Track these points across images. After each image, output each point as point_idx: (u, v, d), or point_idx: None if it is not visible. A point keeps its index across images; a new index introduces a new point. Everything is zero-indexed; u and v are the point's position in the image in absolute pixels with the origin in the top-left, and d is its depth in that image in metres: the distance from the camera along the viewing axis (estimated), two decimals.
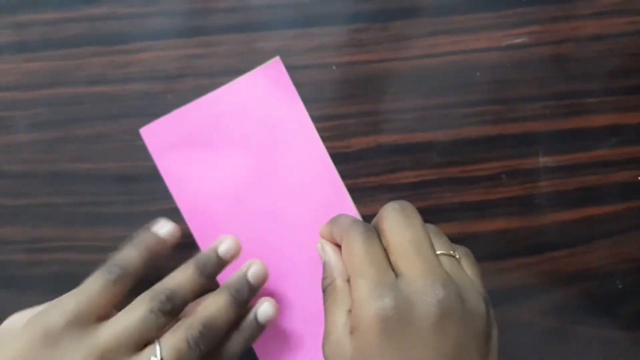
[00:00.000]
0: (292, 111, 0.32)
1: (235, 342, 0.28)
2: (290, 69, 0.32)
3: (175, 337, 0.26)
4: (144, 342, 0.25)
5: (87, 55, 0.32)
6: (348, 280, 0.27)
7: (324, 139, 0.32)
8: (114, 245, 0.31)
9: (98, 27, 0.32)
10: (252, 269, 0.29)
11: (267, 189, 0.31)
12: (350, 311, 0.25)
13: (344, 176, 0.32)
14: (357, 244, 0.25)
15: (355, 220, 0.27)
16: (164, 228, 0.29)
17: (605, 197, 0.32)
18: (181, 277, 0.27)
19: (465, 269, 0.26)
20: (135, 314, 0.25)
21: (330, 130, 0.32)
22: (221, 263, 0.29)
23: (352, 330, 0.24)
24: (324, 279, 0.28)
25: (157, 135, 0.31)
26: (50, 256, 0.31)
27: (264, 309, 0.29)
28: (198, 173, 0.31)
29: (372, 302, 0.23)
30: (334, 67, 0.32)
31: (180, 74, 0.32)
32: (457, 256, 0.26)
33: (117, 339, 0.25)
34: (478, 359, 0.24)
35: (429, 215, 0.31)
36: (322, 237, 0.30)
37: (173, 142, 0.31)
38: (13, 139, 0.32)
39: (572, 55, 0.32)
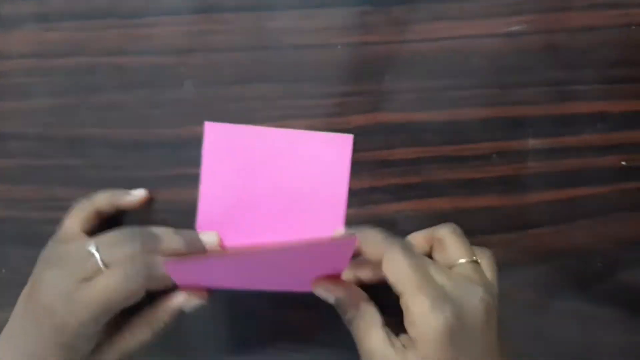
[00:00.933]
0: (334, 184, 0.33)
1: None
2: (296, 47, 0.33)
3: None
4: None
5: (105, 28, 0.34)
6: (366, 299, 0.29)
7: (326, 115, 0.33)
8: None
9: (117, 1, 0.34)
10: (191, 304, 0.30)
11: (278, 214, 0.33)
12: (384, 325, 0.27)
13: None
14: (405, 261, 0.26)
15: (387, 236, 0.28)
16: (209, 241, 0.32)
17: (589, 180, 0.34)
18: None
19: (485, 271, 0.29)
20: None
21: (333, 107, 0.33)
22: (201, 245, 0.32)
23: (409, 346, 0.26)
24: (345, 313, 0.29)
25: (216, 135, 0.33)
26: (64, 215, 0.33)
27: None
28: (230, 181, 0.33)
29: (437, 315, 0.25)
30: (339, 47, 0.33)
31: (192, 48, 0.33)
32: (478, 260, 0.29)
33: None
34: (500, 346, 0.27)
35: (422, 190, 0.33)
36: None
37: (225, 147, 0.33)
38: (31, 104, 0.34)
39: (565, 45, 0.33)
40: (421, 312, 0.25)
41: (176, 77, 0.34)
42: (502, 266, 0.33)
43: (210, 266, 0.28)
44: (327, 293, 0.29)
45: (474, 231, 0.33)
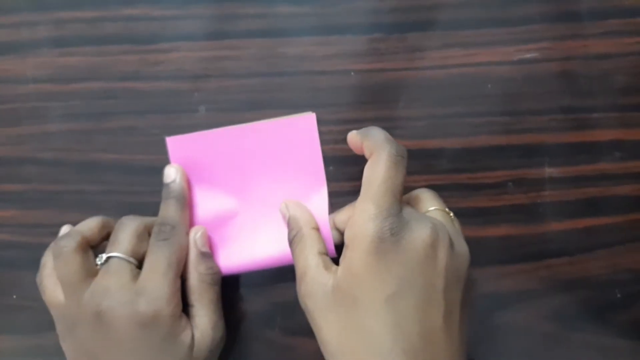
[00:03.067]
0: (310, 166, 0.32)
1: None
2: (310, 74, 0.33)
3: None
4: None
5: (121, 53, 0.34)
6: (314, 228, 0.29)
7: (339, 141, 0.33)
8: None
9: (132, 26, 0.34)
10: (166, 174, 0.31)
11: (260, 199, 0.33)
12: (320, 253, 0.28)
13: (356, 178, 0.33)
14: (383, 166, 0.26)
15: (389, 139, 0.27)
16: (174, 177, 0.31)
17: (606, 209, 0.33)
18: (165, 211, 0.30)
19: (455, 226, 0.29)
20: (157, 252, 0.29)
21: (346, 133, 0.33)
22: (177, 183, 0.31)
23: (342, 255, 0.26)
24: (290, 231, 0.29)
25: (180, 148, 0.32)
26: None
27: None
28: (204, 190, 0.32)
29: (373, 224, 0.25)
30: (352, 73, 0.33)
31: (206, 74, 0.34)
32: (452, 215, 0.29)
33: None
34: (459, 301, 0.26)
35: None
36: (349, 142, 0.30)
37: (192, 158, 0.32)
38: (47, 128, 0.34)
39: (580, 72, 0.33)
40: (362, 216, 0.25)
41: (190, 103, 0.34)
42: (518, 296, 0.33)
43: (207, 142, 0.31)
44: (285, 210, 0.30)
45: (489, 261, 0.33)
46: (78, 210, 0.34)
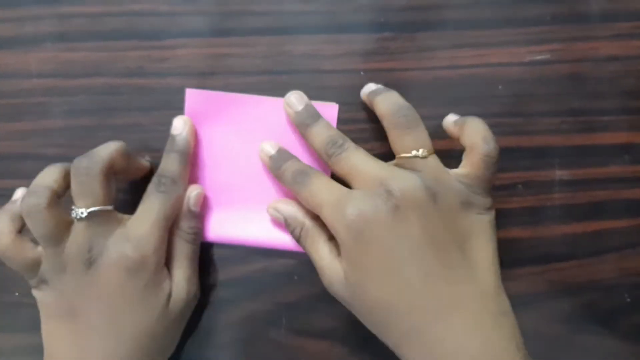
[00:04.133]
0: None
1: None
2: (318, 72, 0.33)
3: None
4: None
5: (126, 49, 0.34)
6: (314, 217, 0.30)
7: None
8: None
9: (137, 22, 0.34)
10: (174, 125, 0.31)
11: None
12: (328, 240, 0.29)
13: None
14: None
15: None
16: (181, 130, 0.31)
17: (616, 212, 0.33)
18: (167, 163, 0.31)
19: (461, 168, 0.28)
20: (153, 200, 0.29)
21: (356, 132, 0.33)
22: (183, 137, 0.31)
23: (338, 253, 0.28)
24: (293, 230, 0.30)
25: (197, 102, 0.32)
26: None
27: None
28: (211, 149, 0.33)
29: (339, 219, 0.26)
30: (361, 72, 0.33)
31: (212, 71, 0.33)
32: (425, 154, 0.28)
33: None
34: (455, 253, 0.26)
35: None
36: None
37: (206, 115, 0.32)
38: (50, 123, 0.34)
39: (590, 74, 0.33)
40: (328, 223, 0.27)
41: None
42: (526, 299, 0.33)
43: (225, 103, 0.32)
44: (277, 213, 0.31)
45: None
46: None
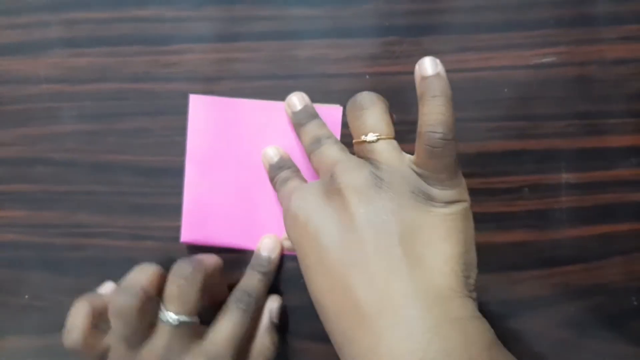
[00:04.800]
0: None
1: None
2: (323, 76, 0.33)
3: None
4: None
5: (132, 54, 0.34)
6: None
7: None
8: (148, 234, 0.33)
9: (144, 27, 0.34)
10: (264, 244, 0.32)
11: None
12: None
13: None
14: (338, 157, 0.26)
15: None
16: (270, 252, 0.32)
17: (622, 216, 0.33)
18: (251, 280, 0.31)
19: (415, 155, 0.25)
20: (233, 318, 0.28)
21: None
22: (270, 260, 0.32)
23: None
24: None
25: (200, 108, 0.33)
26: (87, 241, 0.33)
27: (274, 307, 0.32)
28: (216, 153, 0.33)
29: (285, 213, 0.27)
30: (367, 76, 0.33)
31: (218, 76, 0.33)
32: (373, 138, 0.25)
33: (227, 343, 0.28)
34: (398, 246, 0.22)
35: None
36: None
37: (210, 120, 0.33)
38: (58, 128, 0.34)
39: (596, 77, 0.33)
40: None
41: None
42: (533, 303, 0.33)
43: (228, 108, 0.32)
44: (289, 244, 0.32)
45: (504, 267, 0.33)
46: (89, 211, 0.34)
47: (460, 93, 0.33)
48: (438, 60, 0.25)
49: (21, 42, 0.34)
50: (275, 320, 0.31)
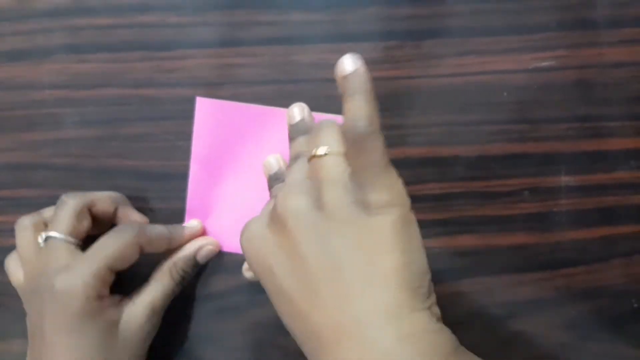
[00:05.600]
0: None
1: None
2: (325, 81, 0.33)
3: None
4: None
5: (135, 60, 0.34)
6: None
7: None
8: None
9: (147, 33, 0.34)
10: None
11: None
12: None
13: None
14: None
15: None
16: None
17: (623, 218, 0.33)
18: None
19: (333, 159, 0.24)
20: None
21: None
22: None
23: None
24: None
25: (207, 110, 0.33)
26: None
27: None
28: (220, 156, 0.33)
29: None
30: None
31: (221, 81, 0.34)
32: (322, 152, 0.24)
33: None
34: (347, 267, 0.22)
35: (451, 226, 0.33)
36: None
37: (215, 123, 0.33)
38: (61, 134, 0.34)
39: (596, 80, 0.33)
40: None
41: None
42: (534, 306, 0.33)
43: (233, 112, 0.33)
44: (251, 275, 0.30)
45: (505, 269, 0.33)
46: None
47: (461, 96, 0.33)
48: (358, 55, 0.24)
49: (25, 48, 0.35)
50: (200, 260, 0.32)
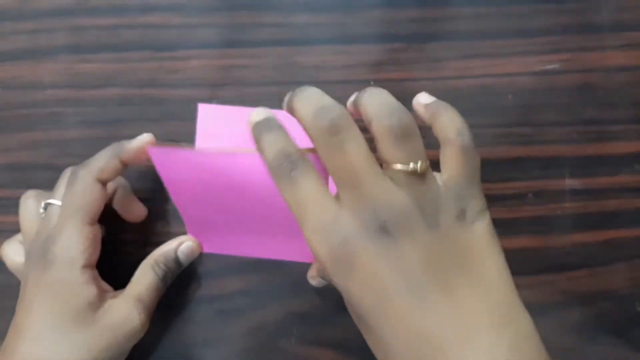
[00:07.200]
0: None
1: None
2: (329, 83, 0.33)
3: None
4: None
5: (138, 60, 0.34)
6: None
7: None
8: (155, 240, 0.33)
9: (150, 34, 0.34)
10: (183, 247, 0.32)
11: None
12: None
13: None
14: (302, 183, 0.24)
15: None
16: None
17: (627, 222, 0.33)
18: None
19: (443, 172, 0.25)
20: None
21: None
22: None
23: None
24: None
25: (210, 116, 0.33)
26: None
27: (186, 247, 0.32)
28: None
29: (322, 244, 0.23)
30: (372, 83, 0.33)
31: (224, 82, 0.34)
32: (423, 167, 0.23)
33: None
34: (459, 276, 0.23)
35: None
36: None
37: (217, 128, 0.33)
38: (63, 134, 0.34)
39: (600, 84, 0.33)
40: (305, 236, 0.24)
41: None
42: (538, 309, 0.33)
43: (236, 117, 0.31)
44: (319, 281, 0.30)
45: None
46: None
47: (465, 100, 0.33)
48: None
49: (27, 48, 0.34)
50: (182, 259, 0.32)
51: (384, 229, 0.22)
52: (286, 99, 0.26)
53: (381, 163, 0.24)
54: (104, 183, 0.29)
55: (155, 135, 0.33)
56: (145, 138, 0.30)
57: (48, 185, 0.34)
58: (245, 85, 0.34)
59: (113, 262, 0.31)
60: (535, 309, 0.32)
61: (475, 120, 0.33)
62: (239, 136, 0.33)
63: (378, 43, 0.33)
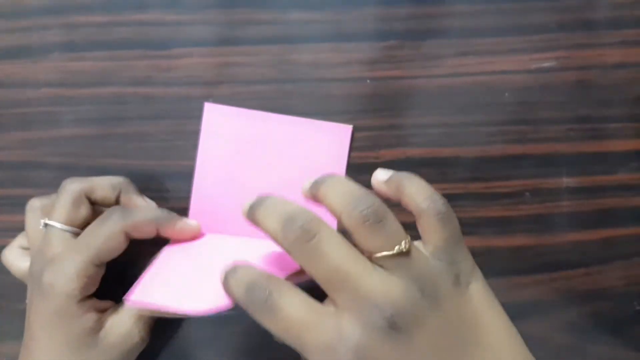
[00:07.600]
0: (332, 170, 0.32)
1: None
2: (324, 81, 0.33)
3: None
4: None
5: (132, 58, 0.34)
6: None
7: (353, 149, 0.33)
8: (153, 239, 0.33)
9: (145, 31, 0.34)
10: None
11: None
12: None
13: (369, 187, 0.33)
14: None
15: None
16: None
17: (623, 220, 0.33)
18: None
19: (426, 243, 0.24)
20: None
21: (362, 140, 0.33)
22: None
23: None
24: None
25: (215, 116, 0.33)
26: None
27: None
28: (226, 162, 0.33)
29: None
30: (368, 80, 0.33)
31: (219, 80, 0.33)
32: (406, 247, 0.23)
33: None
34: (469, 348, 0.23)
35: None
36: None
37: (222, 129, 0.33)
38: (57, 133, 0.34)
39: (597, 82, 0.33)
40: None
41: (202, 109, 0.33)
42: (534, 307, 0.33)
43: (241, 119, 0.32)
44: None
45: (504, 271, 0.33)
46: None
47: (461, 97, 0.33)
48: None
49: (21, 46, 0.34)
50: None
51: (394, 325, 0.21)
52: (245, 208, 0.25)
53: (362, 251, 0.23)
54: (128, 238, 0.29)
55: (150, 133, 0.34)
56: (193, 223, 0.31)
57: (42, 183, 0.34)
58: (240, 83, 0.33)
59: (114, 262, 0.31)
60: (531, 308, 0.33)
61: (471, 118, 0.33)
62: (243, 138, 0.33)
63: (373, 40, 0.33)
